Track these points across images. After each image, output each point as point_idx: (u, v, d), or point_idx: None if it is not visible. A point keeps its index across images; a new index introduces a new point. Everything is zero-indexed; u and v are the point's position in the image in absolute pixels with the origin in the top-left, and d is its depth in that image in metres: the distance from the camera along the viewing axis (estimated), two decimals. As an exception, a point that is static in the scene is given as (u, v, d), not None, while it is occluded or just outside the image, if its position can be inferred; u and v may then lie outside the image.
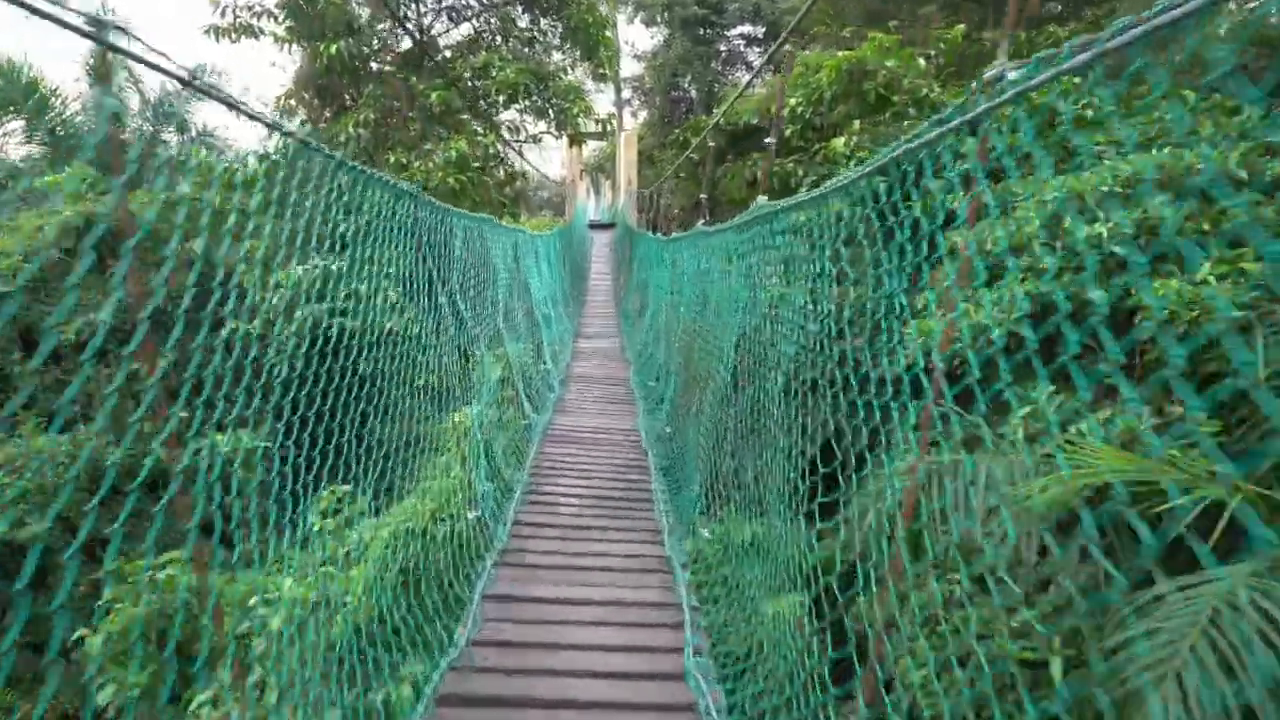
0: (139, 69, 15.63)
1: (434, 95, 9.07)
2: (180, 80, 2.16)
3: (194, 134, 14.51)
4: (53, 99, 14.31)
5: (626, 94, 26.30)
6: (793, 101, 10.13)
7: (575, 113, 10.70)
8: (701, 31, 24.67)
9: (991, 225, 6.72)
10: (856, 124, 8.80)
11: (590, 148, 31.48)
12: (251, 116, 2.67)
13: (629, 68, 26.67)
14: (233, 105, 2.51)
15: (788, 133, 10.23)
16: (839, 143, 8.40)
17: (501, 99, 11.15)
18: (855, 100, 9.48)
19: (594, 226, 23.25)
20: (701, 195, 8.33)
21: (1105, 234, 5.24)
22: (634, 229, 14.84)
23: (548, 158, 25.07)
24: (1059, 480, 3.97)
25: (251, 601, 5.52)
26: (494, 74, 9.61)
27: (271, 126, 2.79)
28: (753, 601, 4.50)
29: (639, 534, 5.31)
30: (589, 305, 14.56)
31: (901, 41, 9.66)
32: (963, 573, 3.96)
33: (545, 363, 8.25)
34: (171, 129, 14.88)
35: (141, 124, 15.23)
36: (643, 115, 27.74)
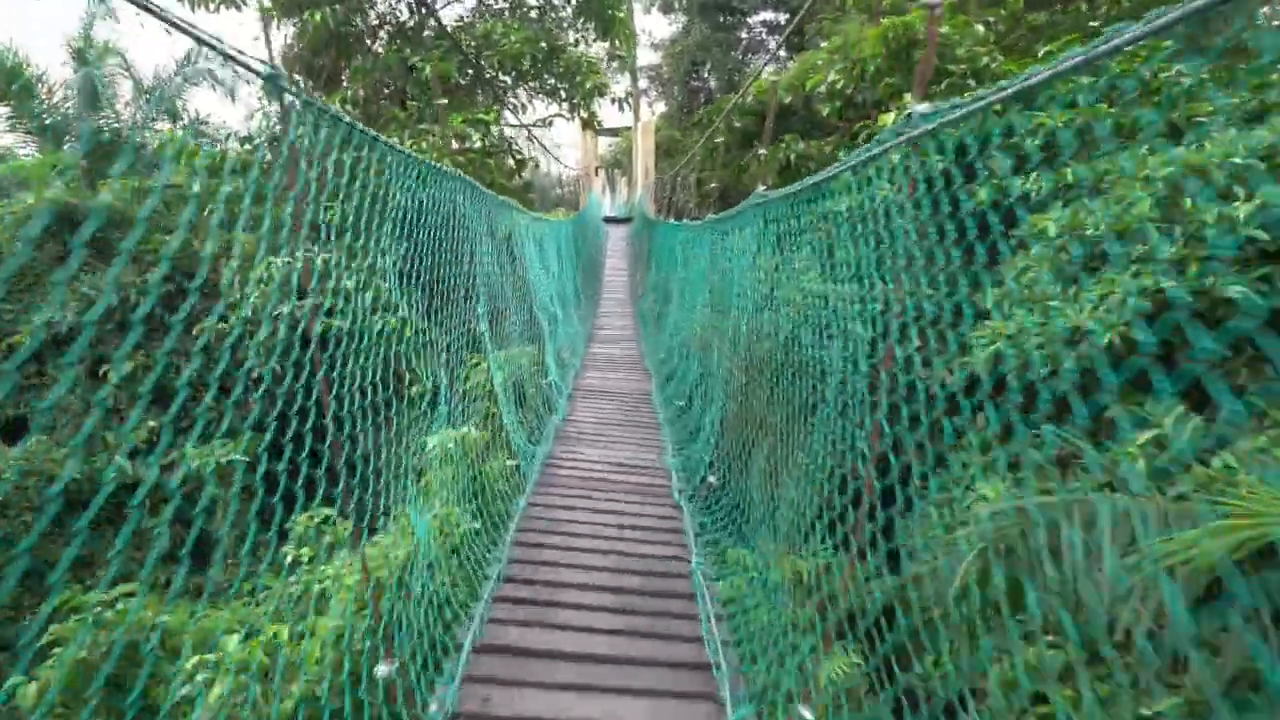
0: (130, 56, 14.87)
1: (428, 68, 8.11)
2: (193, 35, 1.66)
3: (185, 121, 13.74)
4: (39, 85, 13.59)
5: (643, 84, 25.32)
6: (831, 76, 9.12)
7: (588, 87, 9.69)
8: (721, 18, 23.72)
9: (1084, 208, 5.67)
10: (907, 97, 7.77)
11: (606, 143, 30.60)
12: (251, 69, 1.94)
13: (645, 57, 25.72)
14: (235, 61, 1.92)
15: (825, 112, 9.22)
16: (889, 118, 7.37)
17: (509, 79, 10.20)
18: (903, 72, 8.45)
19: (609, 221, 22.36)
20: (760, 151, 6.98)
21: (1243, 216, 4.24)
22: (653, 220, 13.83)
23: (562, 155, 24.13)
24: (1223, 531, 3.04)
25: (190, 664, 4.60)
26: (497, 43, 8.62)
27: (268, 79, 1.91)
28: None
29: (682, 672, 3.39)
30: (603, 305, 13.46)
31: (953, 7, 8.62)
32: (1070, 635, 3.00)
33: (548, 373, 6.86)
34: (164, 117, 14.14)
35: (135, 111, 14.52)
36: (660, 107, 26.79)
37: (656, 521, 4.96)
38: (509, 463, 4.81)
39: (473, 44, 8.82)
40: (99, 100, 12.18)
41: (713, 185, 9.21)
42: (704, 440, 5.21)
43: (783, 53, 20.11)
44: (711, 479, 4.92)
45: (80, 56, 12.58)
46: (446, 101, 8.95)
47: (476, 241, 4.13)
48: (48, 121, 13.33)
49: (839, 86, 9.04)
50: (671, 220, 11.22)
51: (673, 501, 5.23)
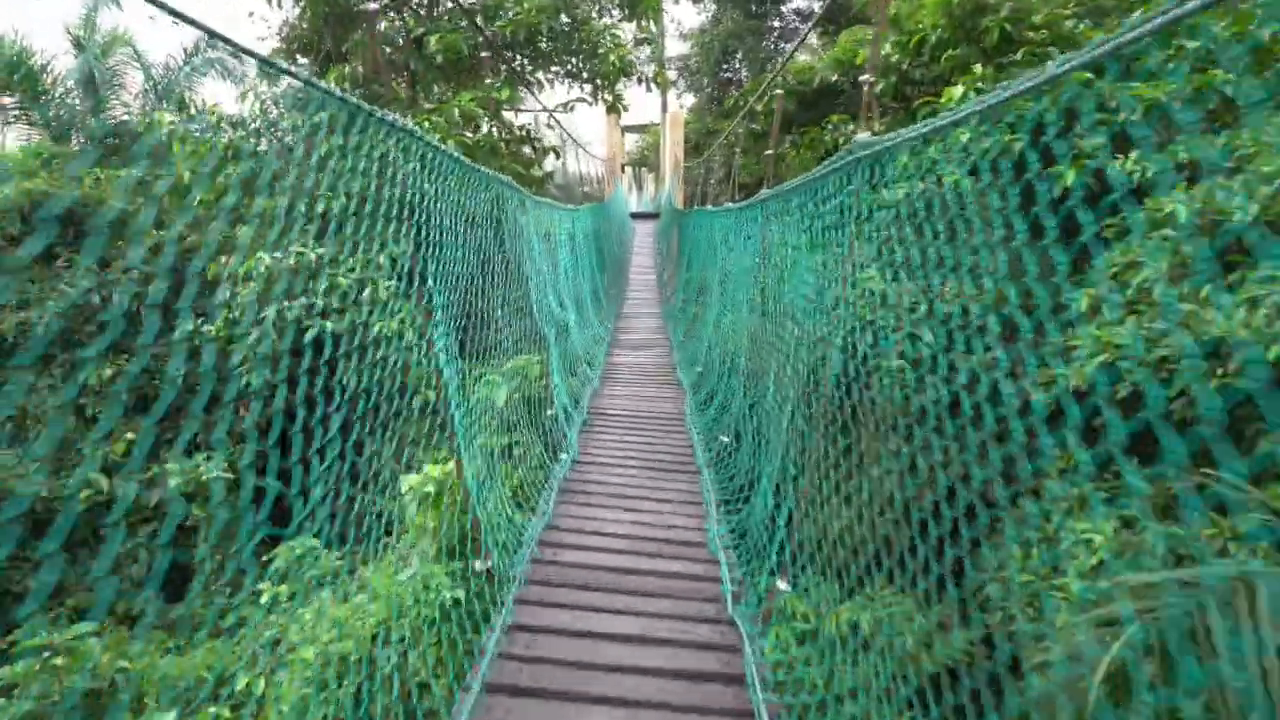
0: (139, 46, 14.36)
1: (433, 41, 7.24)
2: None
3: (193, 111, 13.17)
4: (44, 75, 13.08)
5: (672, 75, 24.39)
6: (885, 50, 8.12)
7: (612, 60, 8.75)
8: (753, 6, 22.75)
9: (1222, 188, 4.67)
10: (978, 69, 6.76)
11: (633, 140, 29.72)
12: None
13: (674, 48, 24.82)
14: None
15: (877, 88, 8.21)
16: (956, 92, 6.38)
17: (525, 59, 9.35)
18: (969, 43, 7.45)
19: (636, 217, 21.55)
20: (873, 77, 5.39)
21: None
22: (684, 211, 12.89)
23: (586, 150, 23.17)
24: None
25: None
26: (508, 11, 7.69)
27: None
28: None
29: None
30: (628, 305, 12.45)
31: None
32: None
33: (557, 393, 5.41)
34: (172, 108, 13.60)
35: (144, 102, 14.02)
36: (689, 99, 25.85)
37: (700, 657, 3.14)
38: (477, 565, 3.09)
39: (480, 16, 7.90)
40: (97, 89, 11.60)
41: (768, 152, 8.22)
42: (762, 512, 3.63)
43: (816, 40, 19.06)
44: (782, 585, 3.30)
45: (79, 44, 12.00)
46: (452, 83, 8.13)
47: (440, 225, 2.83)
48: (51, 113, 12.83)
49: (894, 61, 8.05)
50: (708, 207, 10.22)
51: (722, 608, 3.55)
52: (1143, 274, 4.61)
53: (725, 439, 4.96)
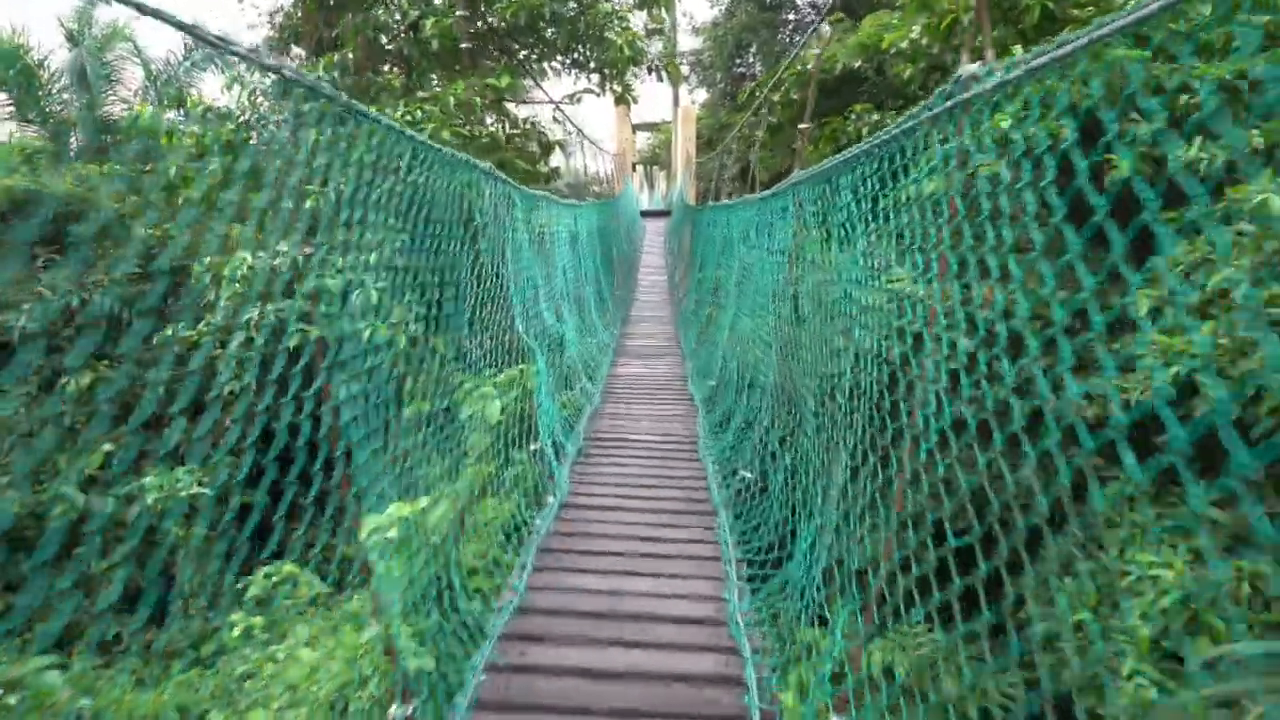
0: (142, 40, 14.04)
1: (428, 26, 6.72)
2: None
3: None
4: (40, 71, 12.75)
5: (684, 69, 23.89)
6: (913, 34, 7.58)
7: (620, 45, 8.19)
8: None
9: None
10: (1018, 50, 6.21)
11: (644, 138, 29.20)
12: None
13: (687, 43, 24.35)
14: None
15: (906, 74, 7.67)
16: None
17: (529, 49, 8.86)
18: (1007, 24, 6.89)
19: (646, 215, 21.08)
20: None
21: None
22: (696, 207, 12.35)
23: (594, 147, 22.63)
24: None
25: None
26: (508, -7, 7.16)
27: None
28: None
29: None
30: (637, 308, 11.86)
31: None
32: None
33: (545, 416, 4.53)
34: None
35: (144, 98, 13.69)
36: (701, 95, 25.34)
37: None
38: (393, 711, 2.16)
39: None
40: (90, 83, 11.23)
41: (802, 125, 7.67)
42: (801, 600, 2.84)
43: (827, 30, 18.53)
44: None
45: (73, 39, 11.64)
46: (449, 71, 7.64)
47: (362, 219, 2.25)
48: (45, 109, 12.50)
49: (923, 45, 7.50)
50: (723, 201, 9.65)
51: None
52: (1221, 273, 4.05)
53: (747, 474, 4.20)
